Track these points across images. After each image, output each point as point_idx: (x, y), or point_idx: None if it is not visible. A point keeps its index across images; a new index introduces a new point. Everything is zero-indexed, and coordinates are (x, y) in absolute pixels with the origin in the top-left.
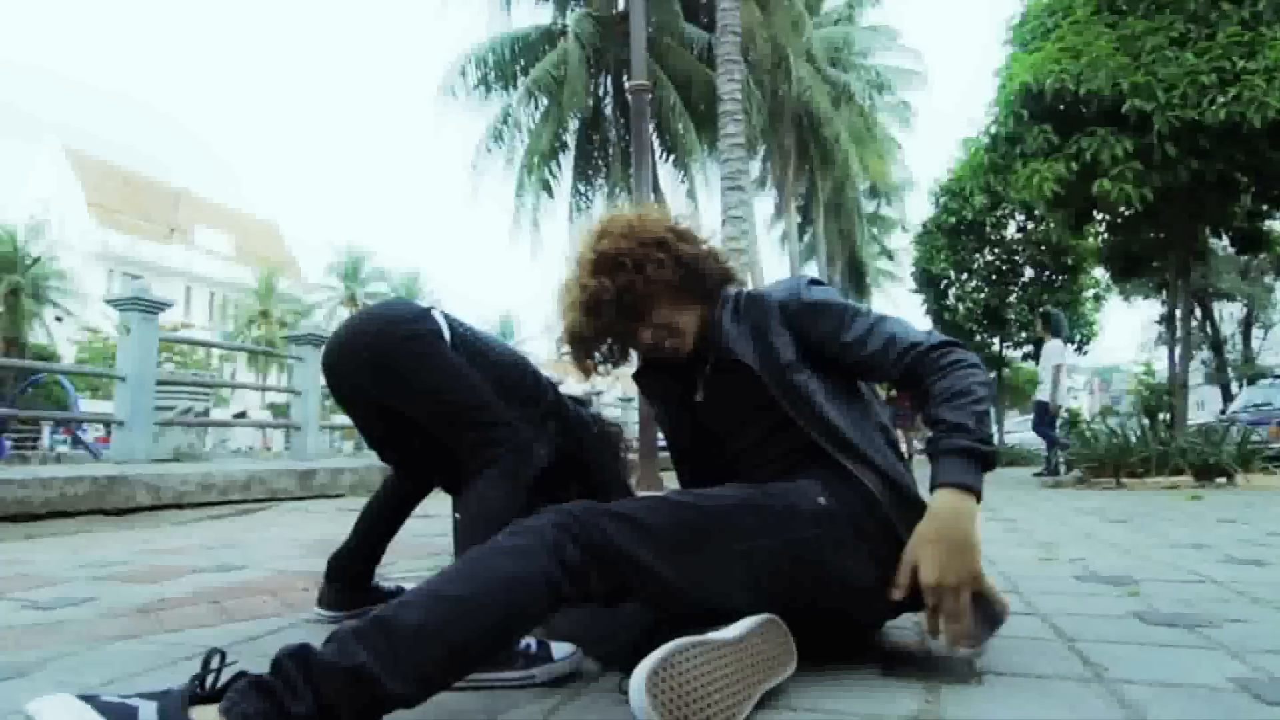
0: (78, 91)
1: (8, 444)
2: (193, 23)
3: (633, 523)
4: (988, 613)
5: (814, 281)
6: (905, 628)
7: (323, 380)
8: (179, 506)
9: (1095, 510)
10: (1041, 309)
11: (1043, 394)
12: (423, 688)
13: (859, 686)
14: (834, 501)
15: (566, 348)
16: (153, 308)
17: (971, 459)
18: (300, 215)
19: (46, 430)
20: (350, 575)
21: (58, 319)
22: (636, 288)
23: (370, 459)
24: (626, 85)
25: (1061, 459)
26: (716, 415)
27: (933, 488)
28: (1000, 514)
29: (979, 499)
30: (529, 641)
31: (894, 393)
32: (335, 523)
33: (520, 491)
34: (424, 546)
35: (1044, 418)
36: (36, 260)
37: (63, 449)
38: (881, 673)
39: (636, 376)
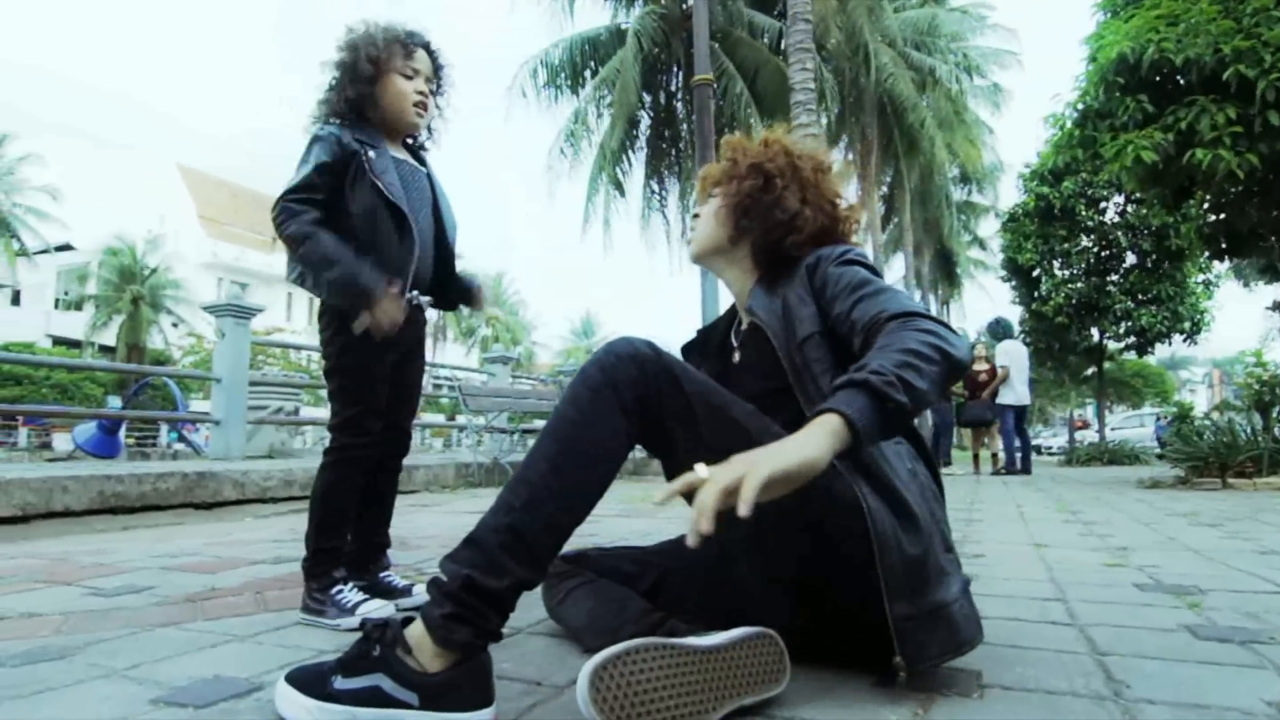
0: (77, 91)
1: (123, 442)
2: (196, 22)
3: (696, 406)
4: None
5: (850, 253)
6: None
7: None
8: (262, 501)
9: (1189, 513)
10: (989, 321)
11: (1009, 398)
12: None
13: (849, 698)
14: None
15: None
16: (245, 313)
17: (870, 395)
18: None
19: (164, 429)
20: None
21: (174, 325)
22: (745, 197)
23: (444, 457)
24: (692, 80)
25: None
26: (747, 384)
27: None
28: (1082, 516)
29: (855, 442)
30: (348, 598)
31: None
32: (401, 517)
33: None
34: None
35: (1019, 420)
36: (154, 271)
37: (179, 446)
38: (877, 684)
39: (684, 350)
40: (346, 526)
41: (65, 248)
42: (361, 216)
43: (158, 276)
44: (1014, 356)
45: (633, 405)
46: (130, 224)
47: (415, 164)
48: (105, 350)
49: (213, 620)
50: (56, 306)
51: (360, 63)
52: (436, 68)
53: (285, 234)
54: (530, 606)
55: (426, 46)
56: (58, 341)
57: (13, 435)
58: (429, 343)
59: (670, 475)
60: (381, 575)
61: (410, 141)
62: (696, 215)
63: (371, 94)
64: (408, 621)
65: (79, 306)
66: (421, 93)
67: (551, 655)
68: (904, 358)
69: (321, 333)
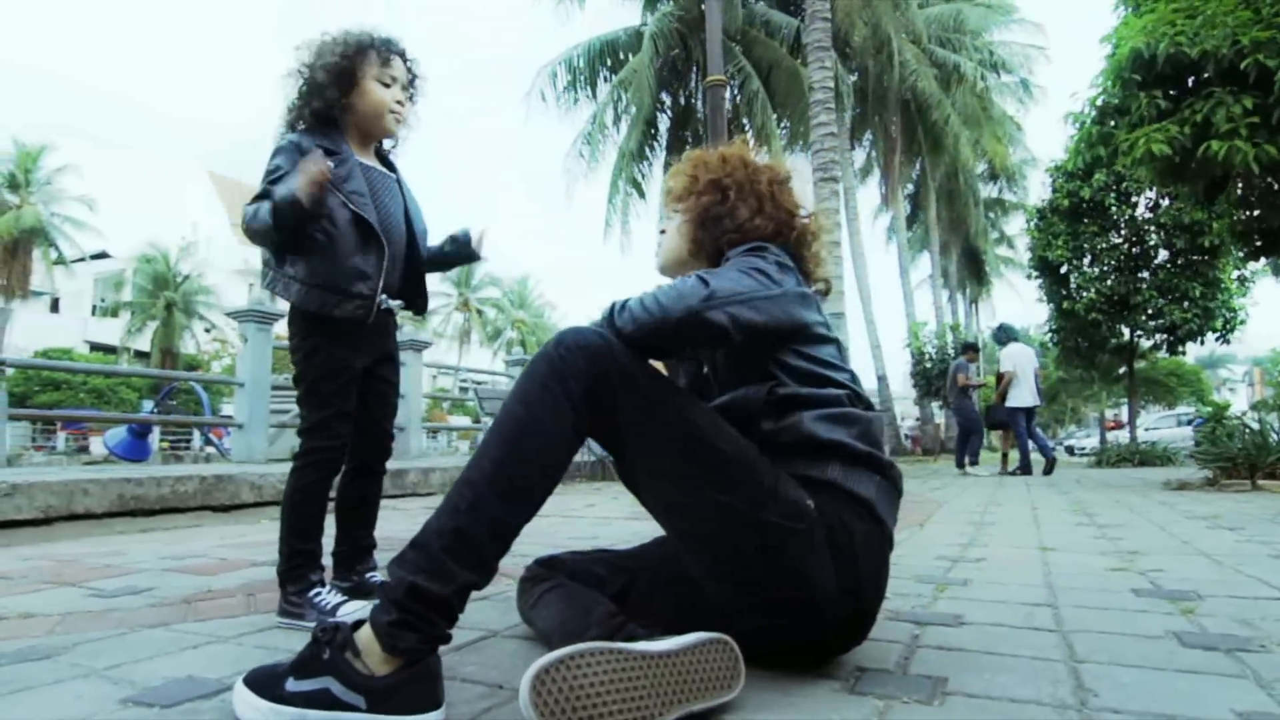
0: (77, 91)
1: (153, 446)
2: (195, 24)
3: (647, 401)
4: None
5: (754, 249)
6: (885, 641)
7: (426, 384)
8: (279, 504)
9: (1210, 516)
10: (994, 327)
11: (1016, 400)
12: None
13: (805, 704)
14: (816, 507)
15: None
16: (267, 318)
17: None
18: None
19: (196, 433)
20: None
21: (206, 330)
22: (705, 212)
23: (460, 459)
24: (704, 81)
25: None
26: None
27: None
28: (1098, 519)
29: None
30: (328, 600)
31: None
32: (414, 519)
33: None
34: None
35: (1029, 421)
36: (187, 278)
37: (210, 450)
38: (837, 690)
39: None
40: (320, 529)
41: (101, 255)
42: (330, 225)
43: (190, 283)
44: (1017, 360)
45: (581, 398)
46: (165, 231)
47: (384, 170)
48: (140, 355)
49: (201, 621)
50: (94, 313)
51: (328, 74)
52: (412, 77)
53: (245, 228)
54: (508, 610)
55: (403, 55)
56: (95, 347)
57: (52, 439)
58: (455, 346)
59: (621, 470)
60: (367, 575)
61: (379, 147)
62: (663, 231)
63: (348, 103)
64: (360, 624)
65: (115, 313)
66: (399, 101)
67: (519, 659)
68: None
69: (291, 339)
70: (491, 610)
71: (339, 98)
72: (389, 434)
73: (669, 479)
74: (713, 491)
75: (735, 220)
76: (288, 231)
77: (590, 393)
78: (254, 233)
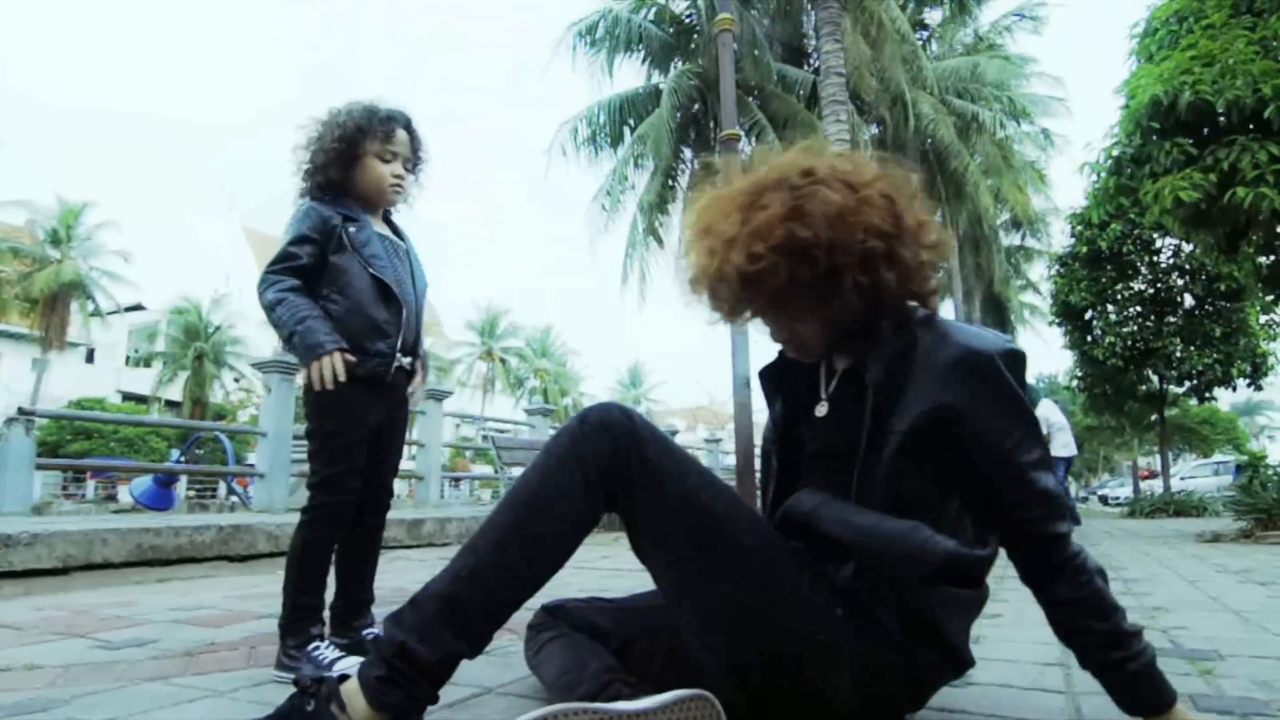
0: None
1: (177, 495)
2: (205, 24)
3: (665, 486)
4: None
5: (1013, 355)
6: None
7: (449, 434)
8: None
9: (1243, 570)
10: None
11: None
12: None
13: None
14: (849, 619)
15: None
16: (290, 369)
17: (1157, 680)
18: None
19: (222, 482)
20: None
21: (235, 380)
22: (804, 290)
23: (477, 509)
24: (719, 135)
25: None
26: (826, 442)
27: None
28: (1124, 573)
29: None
30: (325, 655)
31: None
32: (431, 571)
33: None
34: None
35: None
36: (218, 329)
37: (234, 499)
38: None
39: (761, 374)
40: (324, 584)
41: (136, 308)
42: (349, 287)
43: (221, 334)
44: (1044, 417)
45: (599, 481)
46: (198, 284)
47: (396, 239)
48: (171, 405)
49: (200, 675)
50: (127, 363)
51: (329, 156)
52: (415, 146)
53: (263, 302)
54: (504, 667)
55: (407, 125)
56: (127, 397)
57: (82, 487)
58: (479, 395)
59: (632, 542)
60: (364, 632)
61: (387, 214)
62: (781, 332)
63: (349, 176)
64: (346, 678)
65: (148, 363)
66: (399, 175)
67: (511, 717)
68: (1117, 631)
69: (306, 393)
70: (487, 667)
71: (343, 174)
72: (390, 490)
73: (678, 565)
74: (722, 585)
75: (902, 282)
76: (297, 355)
77: (608, 474)
78: (268, 309)
